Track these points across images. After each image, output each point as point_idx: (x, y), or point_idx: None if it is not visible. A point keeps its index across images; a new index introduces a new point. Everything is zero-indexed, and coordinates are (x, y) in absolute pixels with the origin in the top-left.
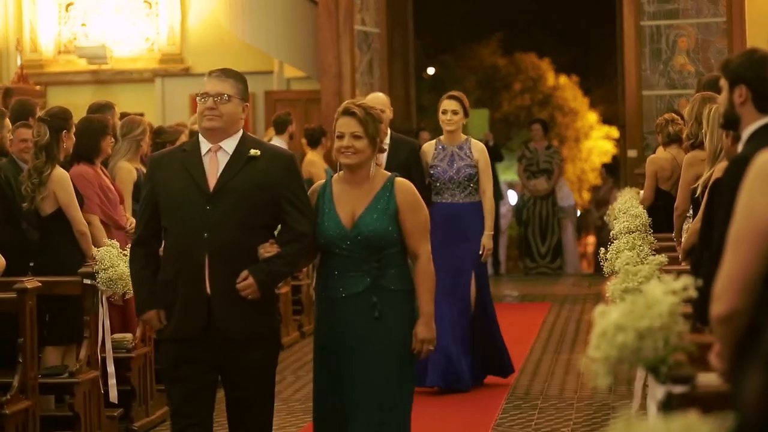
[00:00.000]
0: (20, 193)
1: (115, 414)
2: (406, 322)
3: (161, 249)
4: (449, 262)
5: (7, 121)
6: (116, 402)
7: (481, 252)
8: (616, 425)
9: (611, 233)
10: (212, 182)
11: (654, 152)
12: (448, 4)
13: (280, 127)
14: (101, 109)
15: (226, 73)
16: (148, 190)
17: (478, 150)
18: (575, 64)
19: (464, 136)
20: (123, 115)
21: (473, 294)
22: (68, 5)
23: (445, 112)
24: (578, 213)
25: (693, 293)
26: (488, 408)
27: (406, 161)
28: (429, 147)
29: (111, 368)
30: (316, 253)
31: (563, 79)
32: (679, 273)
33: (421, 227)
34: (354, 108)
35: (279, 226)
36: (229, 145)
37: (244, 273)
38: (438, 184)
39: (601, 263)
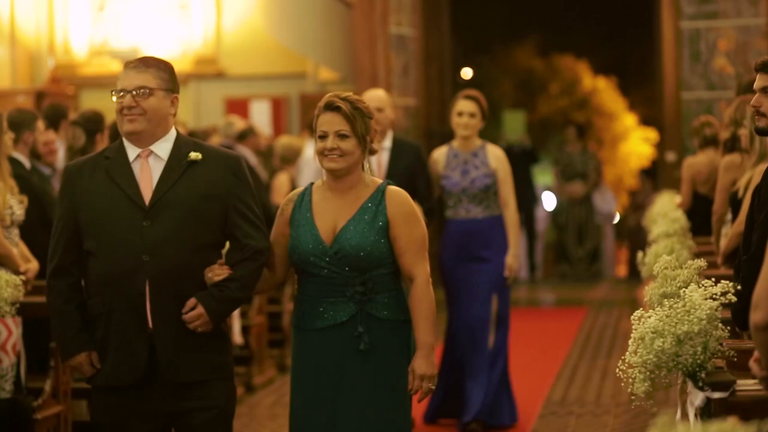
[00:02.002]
0: (52, 196)
1: None
2: (399, 356)
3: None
4: (466, 287)
5: (40, 123)
6: None
7: (506, 274)
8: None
9: (649, 237)
10: (147, 194)
11: (691, 155)
12: (485, 5)
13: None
14: None
15: (145, 62)
16: (65, 207)
17: (496, 157)
18: (613, 65)
19: (479, 142)
20: None
21: (493, 317)
22: (101, 7)
23: (461, 114)
24: (617, 217)
25: (732, 298)
26: (525, 414)
27: (410, 168)
28: (440, 154)
29: None
30: (277, 275)
31: (601, 81)
32: (718, 278)
33: (418, 244)
34: (338, 102)
35: (227, 244)
36: (162, 148)
37: (191, 301)
38: (451, 197)
39: (639, 268)
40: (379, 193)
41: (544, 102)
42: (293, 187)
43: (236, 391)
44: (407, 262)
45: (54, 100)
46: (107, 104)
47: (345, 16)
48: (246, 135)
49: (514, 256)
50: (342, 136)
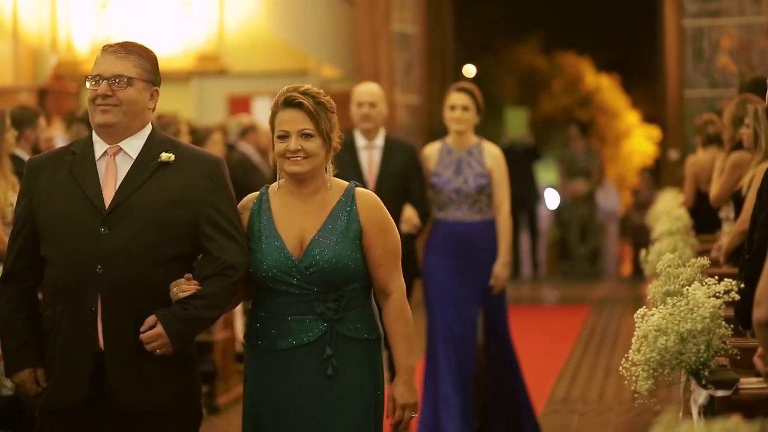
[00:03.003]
0: None
1: None
2: (368, 378)
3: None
4: (453, 296)
5: (42, 120)
6: None
7: (492, 283)
8: (657, 430)
9: (652, 235)
10: (109, 197)
11: (694, 153)
12: (488, 3)
13: None
14: None
15: (126, 48)
16: (22, 206)
17: (492, 156)
18: (616, 63)
19: (475, 139)
20: (158, 116)
21: (480, 337)
22: (104, 5)
23: (453, 107)
24: (621, 216)
25: (735, 296)
26: None
27: (404, 169)
28: (432, 150)
29: None
30: (251, 292)
31: (603, 79)
32: (722, 276)
33: (393, 254)
34: (300, 97)
35: (200, 256)
36: (133, 145)
37: (151, 319)
38: (441, 197)
39: (642, 266)
40: (349, 197)
41: (547, 99)
42: None
43: (201, 417)
44: (382, 275)
45: (56, 97)
46: None
47: (348, 13)
48: (247, 131)
49: (504, 265)
50: (306, 136)
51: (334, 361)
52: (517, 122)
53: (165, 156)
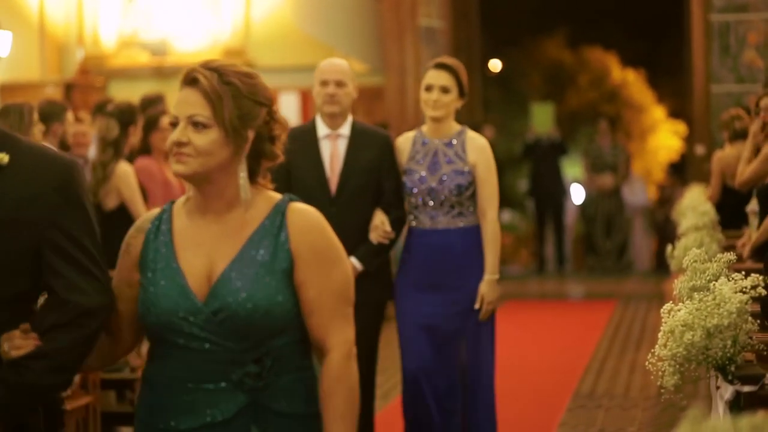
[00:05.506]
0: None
1: None
2: None
3: None
4: (428, 320)
5: (69, 114)
6: None
7: (477, 305)
8: (683, 425)
9: (678, 230)
10: None
11: (721, 148)
12: None
13: None
14: (152, 102)
15: None
16: None
17: (477, 148)
18: (642, 58)
19: (458, 127)
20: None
21: (463, 364)
22: None
23: (430, 88)
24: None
25: (762, 291)
26: (553, 407)
27: (375, 163)
28: (404, 140)
29: None
30: (123, 344)
31: (630, 74)
32: (748, 271)
33: (336, 296)
34: (199, 73)
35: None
36: None
37: None
38: (413, 199)
39: (668, 261)
40: (277, 217)
41: (573, 94)
42: None
43: None
44: (319, 325)
45: (83, 92)
46: (136, 95)
47: (374, 7)
48: None
49: (491, 283)
50: (196, 125)
51: None
52: (543, 117)
53: None
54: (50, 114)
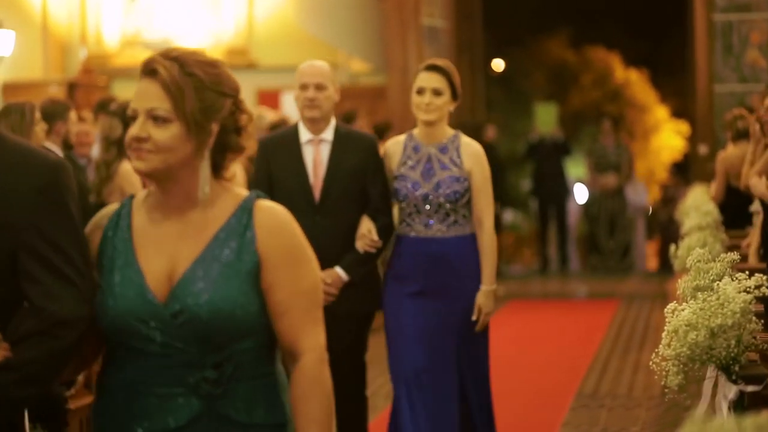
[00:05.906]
0: (87, 187)
1: None
2: None
3: None
4: (422, 334)
5: (72, 113)
6: None
7: (475, 317)
8: (686, 425)
9: (681, 230)
10: None
11: (724, 148)
12: None
13: (346, 122)
14: None
15: None
16: None
17: (472, 154)
18: (645, 57)
19: (451, 132)
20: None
21: (456, 372)
22: None
23: (421, 91)
24: (650, 211)
25: (766, 291)
26: (556, 407)
27: (359, 168)
28: (395, 146)
29: None
30: (93, 350)
31: (632, 74)
32: (752, 271)
33: (306, 298)
34: (157, 64)
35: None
36: None
37: None
38: (405, 206)
39: (671, 261)
40: (244, 214)
41: (576, 94)
42: None
43: None
44: (289, 328)
45: (86, 91)
46: None
47: (377, 6)
48: (277, 127)
49: (488, 294)
50: (156, 119)
51: None
52: (546, 117)
53: None
54: (53, 113)
